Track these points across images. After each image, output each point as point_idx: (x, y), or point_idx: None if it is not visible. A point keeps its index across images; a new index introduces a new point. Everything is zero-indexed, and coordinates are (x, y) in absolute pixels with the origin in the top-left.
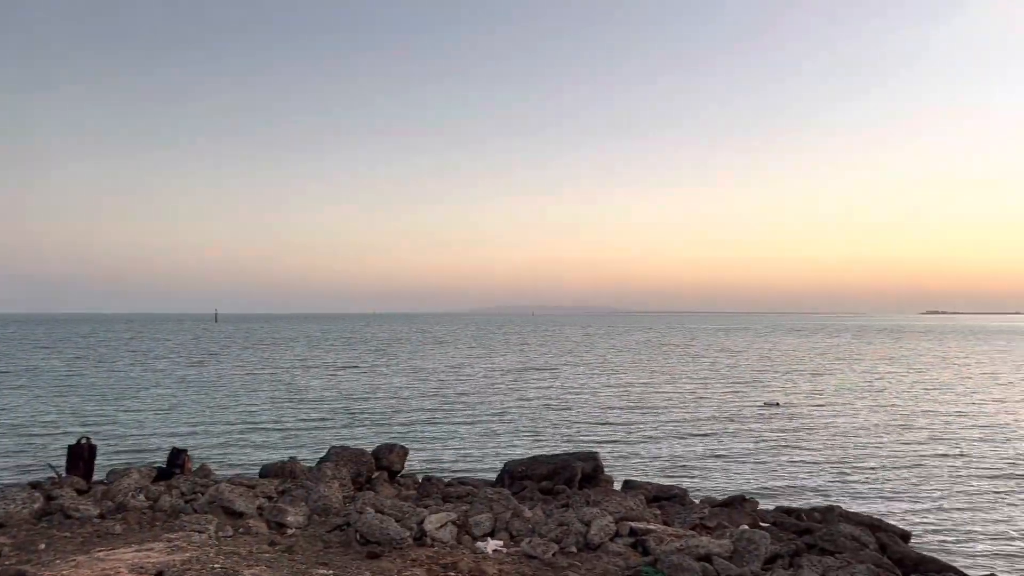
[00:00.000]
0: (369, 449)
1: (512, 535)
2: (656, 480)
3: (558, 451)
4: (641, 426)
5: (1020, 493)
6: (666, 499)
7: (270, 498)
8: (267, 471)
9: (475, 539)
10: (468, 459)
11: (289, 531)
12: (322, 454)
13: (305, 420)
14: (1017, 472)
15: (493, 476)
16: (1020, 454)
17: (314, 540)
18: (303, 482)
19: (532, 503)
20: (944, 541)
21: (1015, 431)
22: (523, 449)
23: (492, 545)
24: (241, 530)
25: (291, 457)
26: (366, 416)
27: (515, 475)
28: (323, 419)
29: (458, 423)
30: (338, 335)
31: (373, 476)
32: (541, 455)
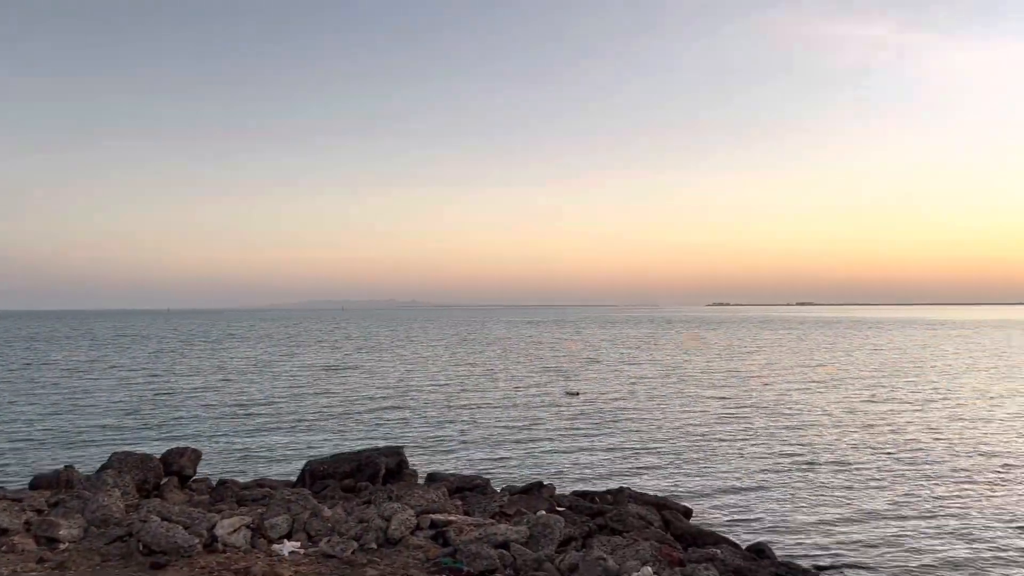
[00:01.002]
0: (159, 454)
1: (310, 535)
2: (462, 471)
3: (366, 448)
4: (450, 419)
5: (795, 470)
6: (468, 490)
7: (40, 511)
8: (38, 482)
9: (271, 542)
10: (270, 460)
11: (62, 546)
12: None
13: (88, 426)
14: (792, 450)
15: (295, 477)
16: (799, 435)
17: (90, 554)
18: (79, 492)
19: (333, 502)
20: (723, 515)
21: (797, 413)
22: (330, 447)
23: (289, 547)
24: (4, 548)
25: (67, 466)
26: (158, 419)
27: (317, 474)
28: (109, 424)
29: (261, 423)
30: (133, 333)
31: (162, 482)
32: (344, 452)
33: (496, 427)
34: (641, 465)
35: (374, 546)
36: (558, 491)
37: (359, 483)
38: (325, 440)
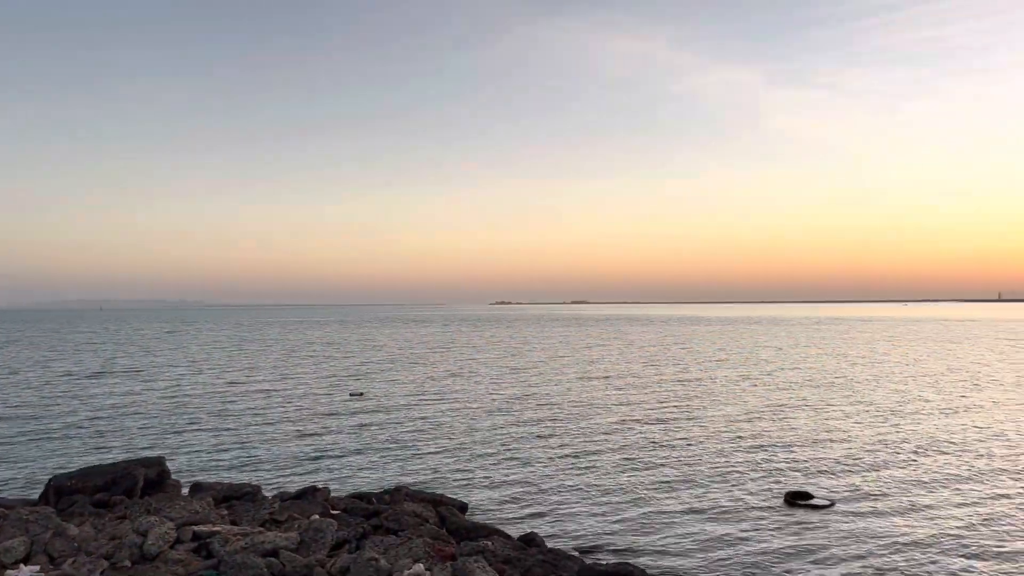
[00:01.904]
0: None
1: (52, 557)
2: (234, 480)
3: (124, 459)
4: (223, 425)
5: (569, 461)
6: (236, 498)
7: None
8: None
9: (5, 567)
10: (8, 479)
11: None
12: None
13: None
14: (567, 442)
15: (38, 495)
16: (574, 427)
17: None
18: None
19: (81, 519)
20: (499, 508)
21: (573, 406)
22: (84, 461)
23: (26, 572)
24: None
25: None
26: None
27: (62, 490)
28: None
29: (4, 437)
30: None
31: None
32: (96, 465)
33: (273, 431)
34: (422, 464)
35: (128, 564)
36: (335, 494)
37: (113, 498)
38: (79, 454)
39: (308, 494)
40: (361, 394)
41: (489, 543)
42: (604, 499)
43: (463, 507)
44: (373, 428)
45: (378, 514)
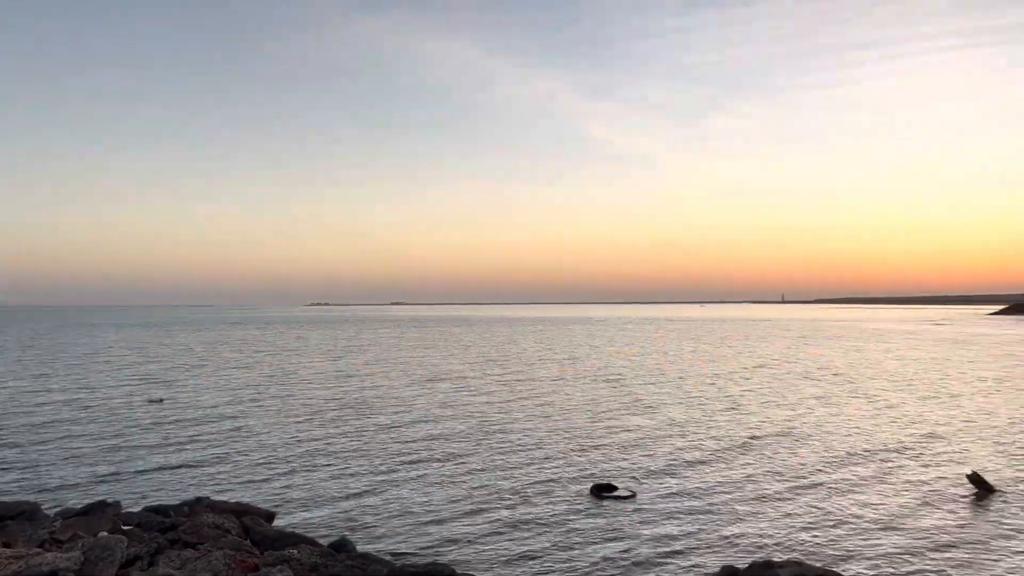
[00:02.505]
0: None
1: None
2: (10, 499)
3: None
4: (1, 439)
5: (382, 465)
6: (10, 518)
7: None
8: None
9: None
10: None
11: None
12: None
13: None
14: (384, 446)
15: None
16: (393, 431)
17: None
18: None
19: None
20: (309, 515)
21: (394, 409)
22: None
23: None
24: None
25: None
26: None
27: None
28: None
29: None
30: None
31: None
32: None
33: (63, 442)
34: (226, 473)
35: None
36: (129, 509)
37: None
38: None
39: (96, 510)
40: (161, 400)
41: (295, 551)
42: (417, 501)
43: (270, 516)
44: (174, 437)
45: (175, 527)
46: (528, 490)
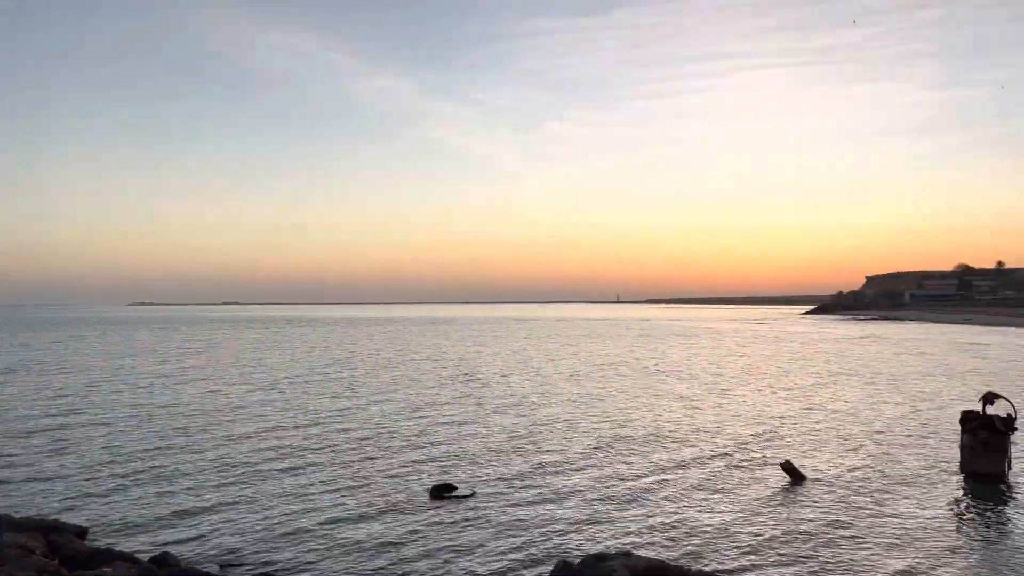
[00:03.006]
0: None
1: None
2: None
3: None
4: None
5: (210, 472)
6: None
7: None
8: None
9: None
10: None
11: None
12: None
13: None
14: (210, 452)
15: None
16: (229, 438)
17: None
18: None
19: None
20: (128, 529)
21: (225, 413)
22: None
23: None
24: None
25: None
26: None
27: None
28: None
29: None
30: None
31: None
32: None
33: None
34: (34, 487)
35: None
36: None
37: None
38: None
39: None
40: None
41: (110, 570)
42: (250, 510)
43: (82, 532)
44: None
45: None
46: (361, 496)
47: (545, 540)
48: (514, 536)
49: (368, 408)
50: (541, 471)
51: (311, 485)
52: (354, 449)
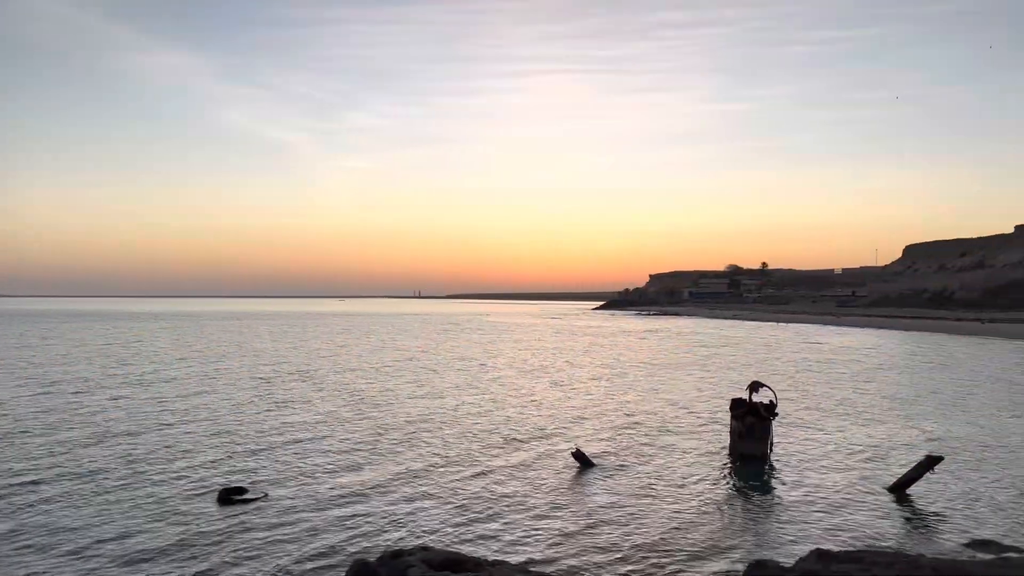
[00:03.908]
0: None
1: None
2: None
3: None
4: None
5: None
6: None
7: None
8: None
9: None
10: None
11: None
12: None
13: None
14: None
15: None
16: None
17: None
18: None
19: None
20: None
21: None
22: None
23: None
24: None
25: None
26: None
27: None
28: None
29: None
30: None
31: None
32: None
33: None
34: None
35: None
36: None
37: None
38: None
39: None
40: None
41: None
42: (30, 525)
43: None
44: None
45: None
46: (144, 502)
47: (341, 540)
48: (308, 538)
49: (154, 408)
50: (337, 470)
51: (89, 493)
52: (140, 450)
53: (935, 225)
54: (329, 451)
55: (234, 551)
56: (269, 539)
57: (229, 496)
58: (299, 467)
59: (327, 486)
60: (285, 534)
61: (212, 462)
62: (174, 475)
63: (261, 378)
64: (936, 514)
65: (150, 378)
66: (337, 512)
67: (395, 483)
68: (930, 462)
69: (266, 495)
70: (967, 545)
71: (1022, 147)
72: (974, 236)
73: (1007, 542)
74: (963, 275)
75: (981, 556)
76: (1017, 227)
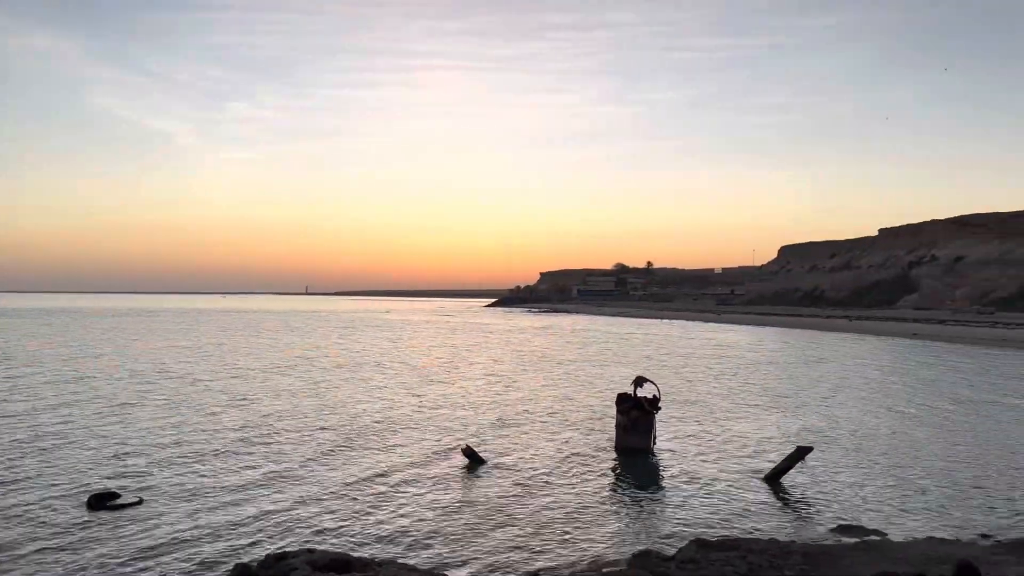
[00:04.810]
0: None
1: None
2: None
3: None
4: None
5: None
6: None
7: None
8: None
9: None
10: None
11: None
12: None
13: None
14: None
15: None
16: None
17: None
18: None
19: None
20: None
21: None
22: None
23: None
24: None
25: None
26: None
27: None
28: None
29: None
30: None
31: None
32: None
33: None
34: None
35: None
36: None
37: None
38: None
39: None
40: None
41: None
42: None
43: None
44: None
45: None
46: (8, 506)
47: (222, 546)
48: (186, 545)
49: (17, 409)
50: (218, 473)
51: None
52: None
53: (808, 227)
54: (209, 453)
55: (103, 560)
56: (143, 547)
57: (100, 501)
58: (177, 471)
59: (207, 490)
60: (161, 541)
61: (83, 466)
62: (38, 479)
63: (137, 379)
64: (806, 502)
65: (21, 380)
66: (218, 517)
67: (280, 485)
68: (800, 453)
69: (140, 500)
70: (833, 530)
71: (886, 155)
72: (843, 238)
73: (871, 526)
74: (833, 275)
75: (846, 540)
76: (881, 230)
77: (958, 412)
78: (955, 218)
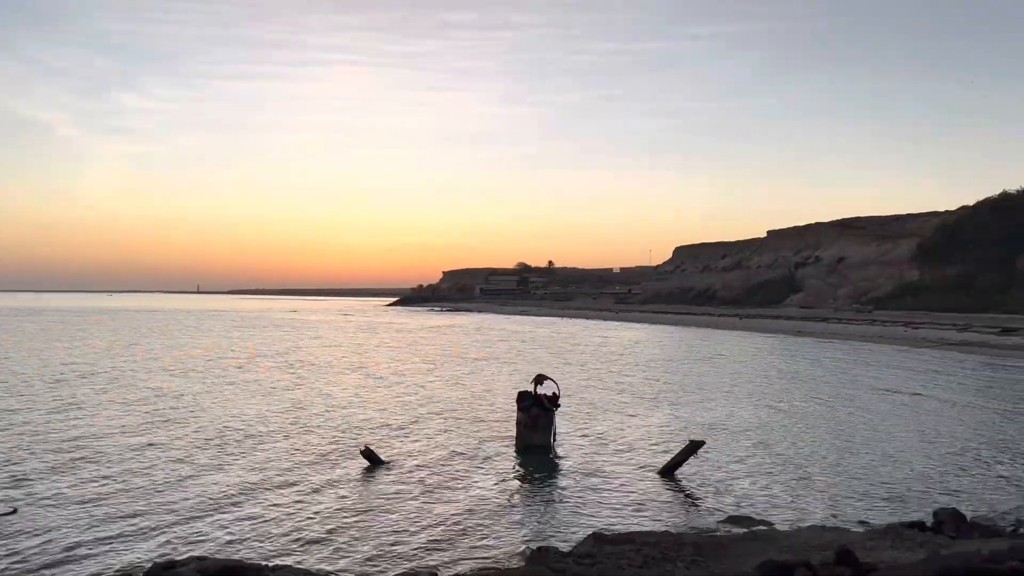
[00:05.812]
0: None
1: None
2: None
3: None
4: None
5: None
6: None
7: None
8: None
9: None
10: None
11: None
12: None
13: None
14: None
15: None
16: None
17: None
18: None
19: None
20: None
21: None
22: None
23: None
24: None
25: None
26: None
27: None
28: None
29: None
30: None
31: None
32: None
33: None
34: None
35: None
36: None
37: None
38: None
39: None
40: None
41: None
42: None
43: None
44: None
45: None
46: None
47: (106, 557)
48: (65, 558)
49: None
50: (103, 480)
51: None
52: None
53: (702, 229)
54: (92, 459)
55: None
56: (16, 560)
57: None
58: (57, 478)
59: (91, 498)
60: (36, 553)
61: None
62: None
63: (16, 381)
64: (699, 494)
65: None
66: (102, 528)
67: (169, 493)
68: (693, 446)
69: (15, 510)
70: (724, 521)
71: (776, 159)
72: (734, 239)
73: (759, 517)
74: (725, 275)
75: (736, 530)
76: (769, 232)
77: (840, 404)
78: (838, 221)
